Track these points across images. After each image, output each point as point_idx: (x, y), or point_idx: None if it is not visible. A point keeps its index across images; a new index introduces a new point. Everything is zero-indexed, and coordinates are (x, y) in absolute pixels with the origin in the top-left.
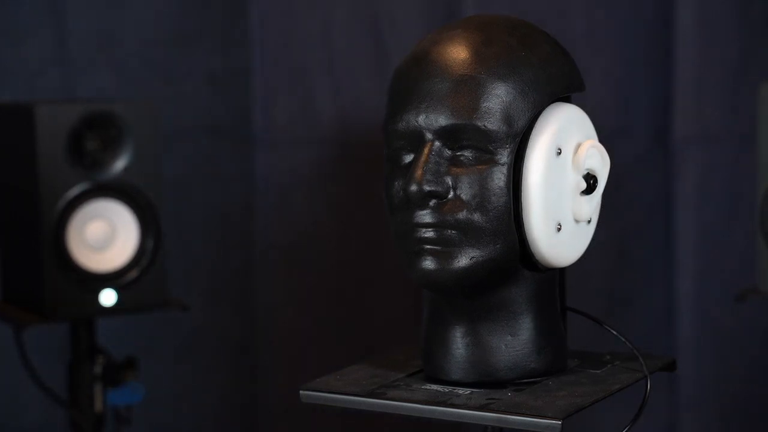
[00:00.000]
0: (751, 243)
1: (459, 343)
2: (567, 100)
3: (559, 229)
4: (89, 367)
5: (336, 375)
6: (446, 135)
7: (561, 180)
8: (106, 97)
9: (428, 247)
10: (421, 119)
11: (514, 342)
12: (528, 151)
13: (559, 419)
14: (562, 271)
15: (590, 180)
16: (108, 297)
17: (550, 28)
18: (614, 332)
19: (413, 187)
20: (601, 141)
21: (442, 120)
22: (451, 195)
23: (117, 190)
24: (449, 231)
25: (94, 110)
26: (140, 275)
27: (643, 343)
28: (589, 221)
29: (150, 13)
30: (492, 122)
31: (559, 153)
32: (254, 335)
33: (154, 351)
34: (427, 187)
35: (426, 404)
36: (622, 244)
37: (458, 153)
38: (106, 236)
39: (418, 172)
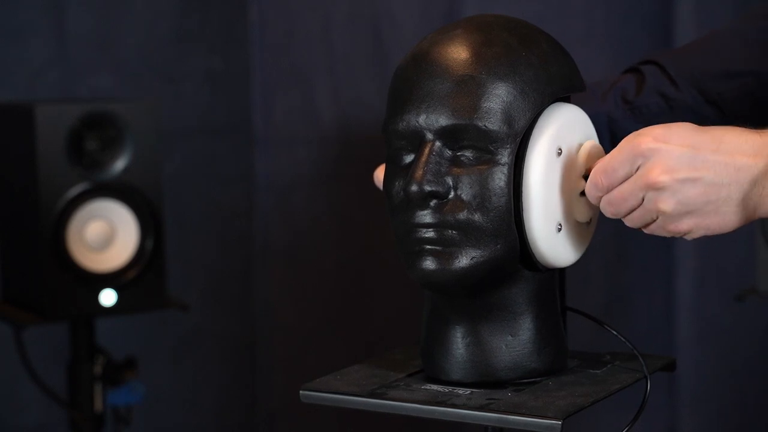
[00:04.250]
0: (750, 243)
1: (459, 343)
2: (567, 100)
3: (559, 230)
4: (89, 367)
5: (336, 375)
6: (447, 135)
7: (561, 180)
8: (106, 97)
9: (429, 247)
10: (422, 119)
11: (515, 342)
12: (528, 151)
13: (559, 419)
14: (562, 271)
15: None
16: (108, 297)
17: (550, 28)
18: (614, 332)
19: (413, 188)
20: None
21: (442, 120)
22: (451, 195)
23: (117, 190)
24: (450, 231)
25: (94, 110)
26: (140, 275)
27: (643, 343)
28: (589, 222)
29: (150, 13)
30: (492, 122)
31: (560, 153)
32: (254, 335)
33: (153, 351)
34: (427, 188)
35: (426, 404)
36: (622, 244)
37: (459, 153)
38: (105, 236)
39: (419, 173)
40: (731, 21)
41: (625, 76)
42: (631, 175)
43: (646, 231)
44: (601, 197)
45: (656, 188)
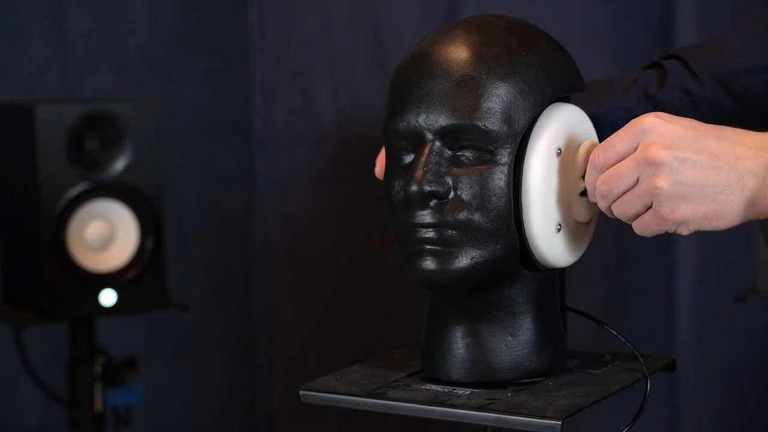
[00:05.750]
0: (750, 243)
1: (459, 343)
2: (567, 100)
3: (559, 230)
4: (89, 367)
5: (336, 375)
6: (447, 135)
7: (561, 180)
8: (106, 97)
9: (429, 247)
10: (422, 119)
11: (515, 342)
12: (528, 151)
13: (559, 419)
14: (562, 271)
15: None
16: (108, 297)
17: (550, 28)
18: (614, 332)
19: (413, 188)
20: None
21: (442, 120)
22: (451, 195)
23: (117, 190)
24: (450, 231)
25: (94, 110)
26: (140, 275)
27: (643, 343)
28: (588, 222)
29: (150, 13)
30: (493, 122)
31: (559, 153)
32: (254, 335)
33: (153, 351)
34: (427, 188)
35: (426, 404)
36: (622, 244)
37: (459, 153)
38: (106, 236)
39: (419, 173)
40: (746, 20)
41: (647, 71)
42: (630, 153)
43: (638, 226)
44: (598, 177)
45: (654, 164)
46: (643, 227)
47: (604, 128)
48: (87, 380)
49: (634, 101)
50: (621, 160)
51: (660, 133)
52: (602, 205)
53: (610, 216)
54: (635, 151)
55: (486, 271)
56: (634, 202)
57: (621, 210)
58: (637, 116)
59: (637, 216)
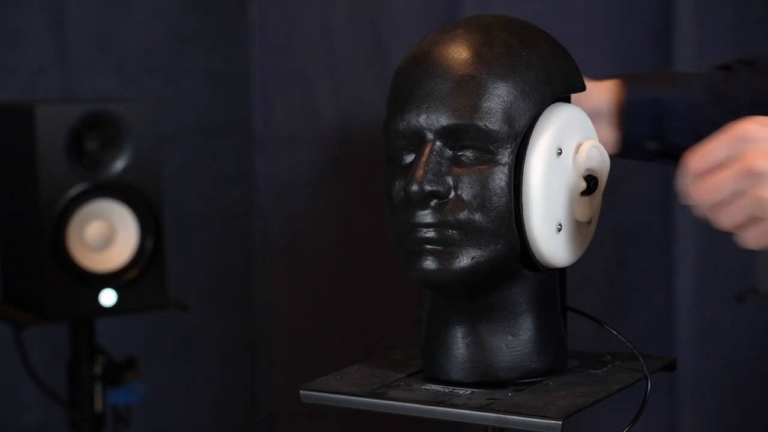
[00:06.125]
0: None
1: (459, 343)
2: (567, 100)
3: (559, 230)
4: (89, 367)
5: (336, 375)
6: (447, 135)
7: (561, 180)
8: (106, 97)
9: (429, 247)
10: (422, 119)
11: (515, 342)
12: (528, 151)
13: (559, 419)
14: (562, 271)
15: (590, 180)
16: (108, 297)
17: (550, 28)
18: (614, 332)
19: (414, 187)
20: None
21: (443, 120)
22: (452, 195)
23: (117, 190)
24: (450, 231)
25: (94, 110)
26: (140, 275)
27: (643, 343)
28: (589, 221)
29: (150, 13)
30: (493, 122)
31: (560, 153)
32: (254, 335)
33: (153, 351)
34: (428, 187)
35: (426, 404)
36: (622, 244)
37: (459, 153)
38: (105, 236)
39: (419, 172)
40: None
41: (715, 71)
42: (728, 161)
43: (750, 239)
44: (690, 186)
45: (760, 174)
46: (756, 240)
47: (666, 115)
48: (87, 380)
49: (699, 93)
50: (718, 168)
51: (766, 142)
52: (698, 213)
53: (707, 221)
54: (735, 159)
55: (486, 270)
56: (738, 212)
57: (723, 220)
58: (700, 108)
59: (740, 226)
